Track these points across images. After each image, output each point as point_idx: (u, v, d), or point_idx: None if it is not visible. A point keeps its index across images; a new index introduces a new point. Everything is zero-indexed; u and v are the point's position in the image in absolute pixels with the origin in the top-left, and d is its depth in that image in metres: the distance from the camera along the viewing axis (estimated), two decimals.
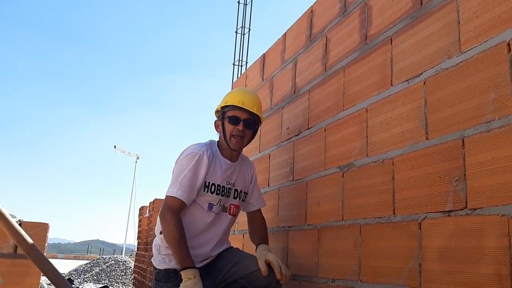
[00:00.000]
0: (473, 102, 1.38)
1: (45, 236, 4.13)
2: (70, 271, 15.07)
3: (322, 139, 2.19)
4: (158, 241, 2.18)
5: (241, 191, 2.28)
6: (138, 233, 10.78)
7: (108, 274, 14.48)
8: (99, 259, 16.22)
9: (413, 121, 1.61)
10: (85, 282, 13.45)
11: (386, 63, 1.80)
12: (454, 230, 1.37)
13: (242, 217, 2.54)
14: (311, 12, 2.52)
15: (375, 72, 1.86)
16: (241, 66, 19.43)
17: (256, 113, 2.18)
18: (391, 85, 1.75)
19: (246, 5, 20.19)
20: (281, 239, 2.44)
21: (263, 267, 2.01)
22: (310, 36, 2.49)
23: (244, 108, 2.14)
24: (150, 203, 8.91)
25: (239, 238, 2.95)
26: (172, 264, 2.11)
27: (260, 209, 2.39)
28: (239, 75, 14.66)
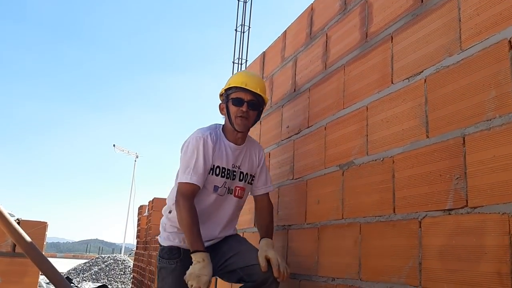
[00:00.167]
0: (474, 100, 1.37)
1: (43, 235, 4.12)
2: (69, 270, 15.08)
3: (322, 138, 2.19)
4: (165, 220, 2.29)
5: (247, 173, 2.28)
6: (137, 232, 10.78)
7: (107, 273, 14.48)
8: (98, 258, 16.22)
9: (413, 119, 1.60)
10: (84, 281, 13.46)
11: (386, 61, 1.79)
12: (454, 228, 1.37)
13: (242, 217, 2.54)
14: (311, 9, 2.52)
15: (375, 70, 1.86)
16: (241, 64, 19.38)
17: (260, 93, 2.18)
18: (392, 83, 1.74)
19: (246, 2, 20.13)
20: (281, 238, 2.44)
21: (262, 263, 2.02)
22: (310, 34, 2.48)
23: (247, 89, 2.15)
24: (149, 202, 8.91)
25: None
26: (176, 241, 2.20)
27: (268, 194, 2.37)
28: None
